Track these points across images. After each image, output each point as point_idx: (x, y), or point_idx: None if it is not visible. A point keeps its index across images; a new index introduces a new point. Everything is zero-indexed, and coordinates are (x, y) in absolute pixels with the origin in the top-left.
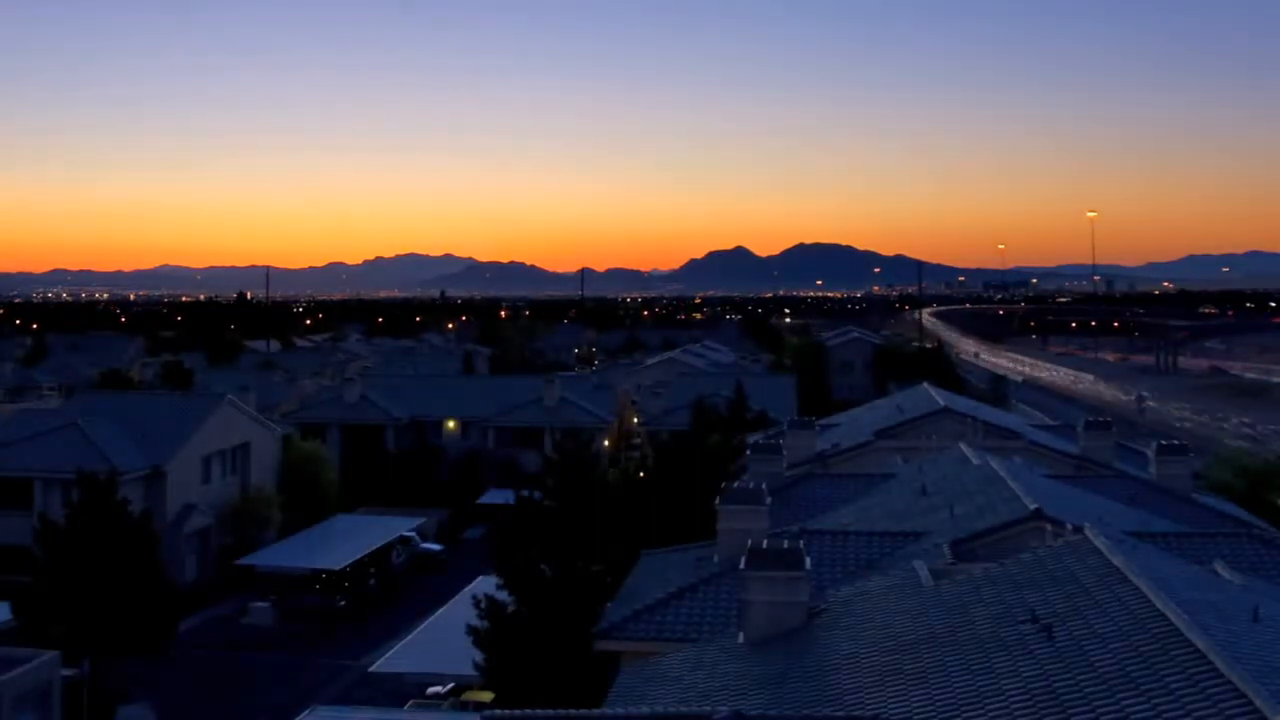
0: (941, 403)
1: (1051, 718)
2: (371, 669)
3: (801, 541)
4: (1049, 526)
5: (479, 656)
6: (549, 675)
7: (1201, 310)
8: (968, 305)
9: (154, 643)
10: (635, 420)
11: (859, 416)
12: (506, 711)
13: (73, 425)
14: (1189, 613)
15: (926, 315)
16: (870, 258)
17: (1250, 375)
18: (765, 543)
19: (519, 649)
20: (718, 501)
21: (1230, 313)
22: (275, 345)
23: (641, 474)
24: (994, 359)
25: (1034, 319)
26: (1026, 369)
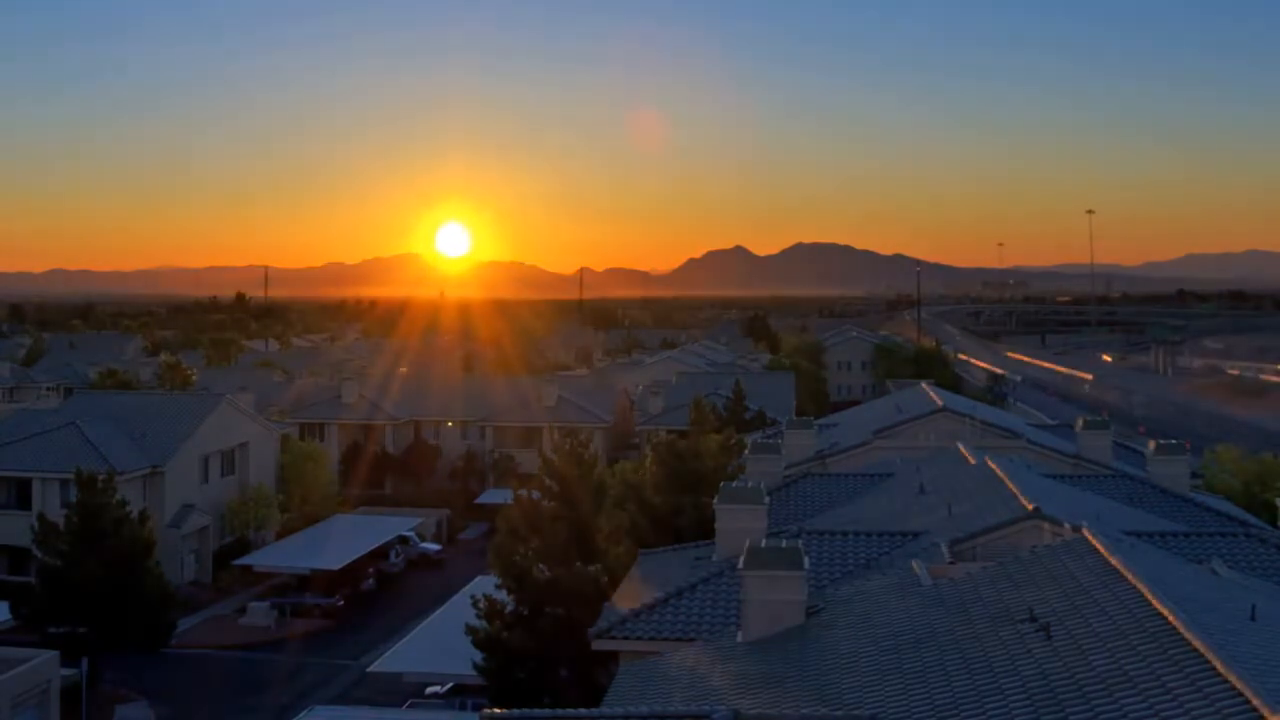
0: (940, 402)
1: (1049, 717)
2: (370, 668)
3: (800, 541)
4: (1047, 526)
5: (478, 656)
6: (548, 675)
7: (1200, 310)
8: (966, 304)
9: (152, 643)
10: (634, 420)
11: (857, 416)
12: (506, 711)
13: (71, 425)
14: (1187, 612)
15: (925, 314)
16: (869, 257)
17: (1247, 374)
18: (764, 542)
19: (518, 649)
20: (716, 501)
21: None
22: (274, 345)
23: (640, 474)
24: (992, 358)
25: (1033, 318)
26: (1024, 368)
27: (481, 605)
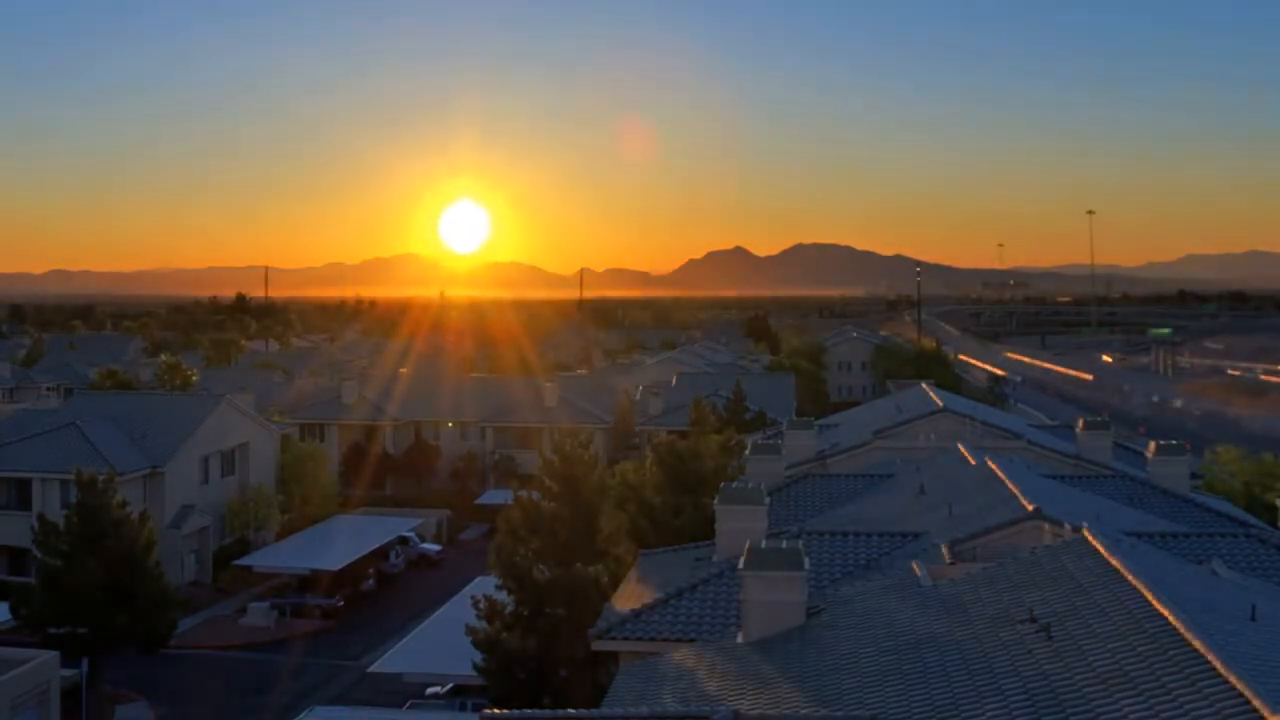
0: (940, 403)
1: (1050, 717)
2: (370, 669)
3: (800, 541)
4: (1047, 526)
5: (478, 657)
6: (548, 675)
7: (1201, 310)
8: (966, 305)
9: (152, 643)
10: (634, 420)
11: (858, 416)
12: (506, 711)
13: (71, 425)
14: (1187, 612)
15: (925, 315)
16: (869, 257)
17: (1247, 375)
18: (764, 543)
19: (518, 649)
20: (717, 501)
21: (1233, 312)
22: (274, 345)
23: (640, 474)
24: (992, 359)
25: (1033, 319)
26: (1024, 369)
27: (481, 606)
